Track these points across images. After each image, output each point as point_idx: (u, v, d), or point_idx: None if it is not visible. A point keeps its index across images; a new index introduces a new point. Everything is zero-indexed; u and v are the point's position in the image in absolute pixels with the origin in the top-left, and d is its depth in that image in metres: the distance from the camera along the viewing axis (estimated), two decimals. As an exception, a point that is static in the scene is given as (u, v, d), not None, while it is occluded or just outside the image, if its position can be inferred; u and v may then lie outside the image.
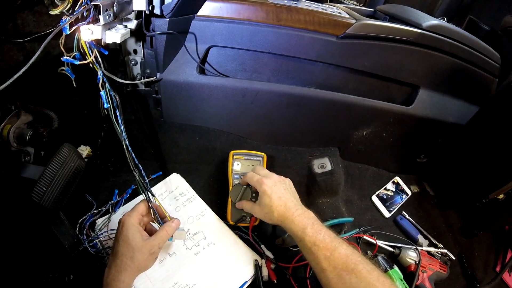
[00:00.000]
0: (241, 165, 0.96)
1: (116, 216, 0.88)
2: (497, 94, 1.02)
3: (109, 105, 0.73)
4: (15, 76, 0.60)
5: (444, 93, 1.09)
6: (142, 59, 0.94)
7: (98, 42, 0.74)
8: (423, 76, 1.05)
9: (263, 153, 0.96)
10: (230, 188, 0.92)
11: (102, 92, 0.73)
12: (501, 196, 1.11)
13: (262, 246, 0.88)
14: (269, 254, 0.87)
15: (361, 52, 0.98)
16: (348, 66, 1.00)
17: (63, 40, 0.67)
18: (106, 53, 0.76)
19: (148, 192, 0.76)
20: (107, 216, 0.88)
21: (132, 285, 0.71)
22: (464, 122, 1.10)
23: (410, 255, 0.95)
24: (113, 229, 0.84)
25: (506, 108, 0.96)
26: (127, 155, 0.73)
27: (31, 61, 0.62)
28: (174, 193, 0.96)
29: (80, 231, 0.84)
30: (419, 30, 0.96)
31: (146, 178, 0.77)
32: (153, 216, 0.76)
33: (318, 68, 1.01)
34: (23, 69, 0.61)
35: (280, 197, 0.78)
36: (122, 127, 0.73)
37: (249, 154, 0.97)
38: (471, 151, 1.10)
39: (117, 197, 0.93)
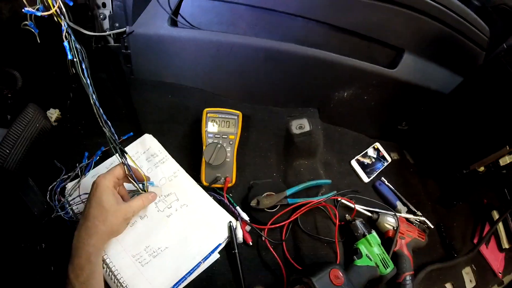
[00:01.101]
0: (215, 124, 0.92)
1: (86, 180, 0.85)
2: (484, 65, 0.99)
3: (72, 57, 0.69)
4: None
5: (429, 60, 1.06)
6: (110, 12, 0.89)
7: (62, -9, 0.70)
8: (408, 40, 1.01)
9: (238, 112, 0.93)
10: (204, 148, 0.89)
11: (65, 43, 0.69)
12: (482, 168, 1.11)
13: (237, 207, 0.86)
14: (244, 215, 0.85)
15: (345, 8, 0.93)
16: (330, 23, 0.95)
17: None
18: (71, 4, 0.71)
19: (119, 150, 0.73)
20: (77, 180, 0.85)
21: (102, 255, 0.69)
22: (447, 91, 1.08)
23: (389, 221, 0.93)
24: (85, 193, 0.81)
25: (492, 80, 0.94)
26: (95, 111, 0.69)
27: None
28: (146, 154, 0.93)
29: (51, 198, 0.81)
30: (407, -10, 0.92)
31: (115, 135, 0.74)
32: (129, 177, 0.74)
33: (298, 23, 0.96)
34: None
35: None
36: (88, 80, 0.68)
37: (223, 112, 0.93)
38: (453, 121, 1.09)
39: (87, 159, 0.89)
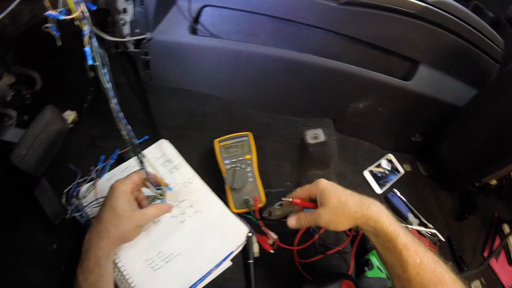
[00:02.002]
0: (229, 150, 0.93)
1: (101, 183, 0.86)
2: (498, 79, 0.99)
3: (93, 62, 0.68)
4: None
5: (444, 72, 1.06)
6: (132, 18, 0.88)
7: (85, -4, 0.70)
8: (424, 52, 1.02)
9: (247, 132, 0.94)
10: (224, 175, 0.89)
11: (86, 48, 0.68)
12: (494, 182, 1.11)
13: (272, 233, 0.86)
14: (273, 234, 0.85)
15: (363, 21, 0.94)
16: (348, 35, 0.96)
17: (48, -4, 0.63)
18: (94, 8, 0.71)
19: (138, 155, 0.73)
20: (91, 182, 0.86)
21: (114, 254, 0.70)
22: (461, 103, 1.08)
23: None
24: (102, 197, 0.81)
25: (506, 93, 0.94)
26: (115, 116, 0.68)
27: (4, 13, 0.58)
28: (162, 159, 0.93)
29: (67, 200, 0.82)
30: (424, 4, 0.92)
31: (135, 139, 0.73)
32: (146, 182, 0.75)
33: (317, 35, 0.97)
34: None
35: (345, 191, 0.67)
36: (110, 85, 0.68)
37: (233, 138, 0.94)
38: (467, 133, 1.08)
39: (103, 162, 0.90)
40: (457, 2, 0.94)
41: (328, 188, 0.67)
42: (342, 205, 0.63)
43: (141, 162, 0.73)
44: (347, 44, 0.99)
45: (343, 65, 0.97)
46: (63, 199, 0.82)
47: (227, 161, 0.91)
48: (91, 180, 0.86)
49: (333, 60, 0.96)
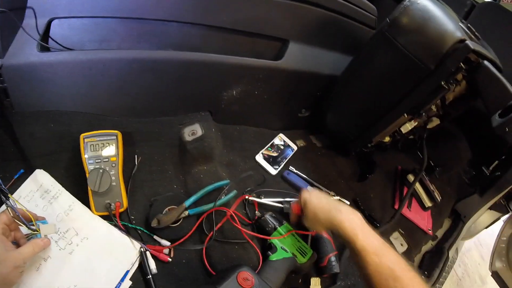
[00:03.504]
0: (94, 148, 0.88)
1: None
2: (367, 43, 1.01)
3: None
4: None
5: (316, 46, 1.09)
6: None
7: None
8: (291, 30, 1.03)
9: (116, 131, 0.89)
10: (87, 175, 0.84)
11: None
12: (387, 139, 1.15)
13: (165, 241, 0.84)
14: (166, 242, 0.84)
15: (217, 7, 0.93)
16: (206, 23, 0.95)
17: None
18: None
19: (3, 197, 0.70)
20: None
21: None
22: (339, 73, 1.10)
23: None
24: None
25: (379, 53, 0.97)
26: None
27: None
28: (40, 191, 0.86)
29: None
30: (284, -19, 0.93)
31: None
32: (16, 220, 0.70)
33: (172, 29, 0.95)
34: None
35: (319, 201, 0.81)
36: None
37: (101, 135, 0.89)
38: (347, 99, 1.12)
39: None
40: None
41: (306, 202, 0.82)
42: (315, 217, 0.79)
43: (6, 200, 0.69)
44: (206, 33, 0.97)
45: (205, 55, 0.95)
46: None
47: (91, 161, 0.86)
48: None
49: (193, 52, 0.94)
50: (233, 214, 0.88)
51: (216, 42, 0.99)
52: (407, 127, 1.05)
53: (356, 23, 1.08)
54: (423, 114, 1.00)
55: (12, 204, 0.70)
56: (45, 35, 0.89)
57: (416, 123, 1.05)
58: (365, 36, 1.11)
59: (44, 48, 0.89)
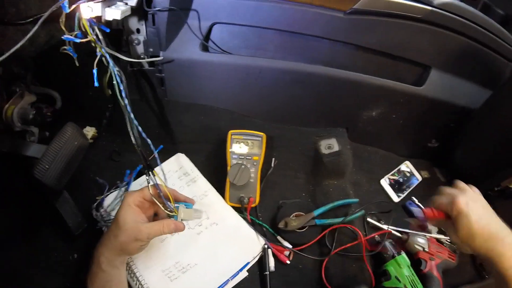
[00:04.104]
0: (240, 145, 0.95)
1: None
2: (510, 78, 0.96)
3: (98, 84, 0.72)
4: (6, 54, 0.59)
5: (455, 75, 1.04)
6: (145, 38, 0.92)
7: (99, 19, 0.73)
8: (434, 56, 1.00)
9: (262, 133, 0.95)
10: (229, 168, 0.91)
11: (94, 70, 0.71)
12: None
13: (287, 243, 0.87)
14: (287, 244, 0.86)
15: (369, 29, 0.94)
16: (356, 43, 0.97)
17: (63, 19, 0.65)
18: (108, 30, 0.74)
19: (148, 171, 0.72)
20: (115, 192, 0.90)
21: (123, 262, 0.70)
22: (476, 106, 1.05)
23: (419, 242, 0.91)
24: None
25: None
26: (131, 131, 0.69)
27: (27, 37, 0.61)
28: (178, 172, 0.95)
29: (97, 210, 0.86)
30: (430, 8, 0.91)
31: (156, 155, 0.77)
32: (155, 198, 0.70)
33: (324, 45, 0.98)
34: (17, 46, 0.59)
35: (478, 217, 0.61)
36: (126, 101, 0.69)
37: (248, 134, 0.96)
38: (481, 136, 1.05)
39: (128, 176, 0.94)
40: (465, 2, 0.93)
41: (461, 215, 0.62)
42: (469, 237, 0.61)
43: (151, 178, 0.71)
44: (354, 53, 0.99)
45: (352, 74, 0.97)
46: (93, 210, 0.85)
47: (234, 156, 0.93)
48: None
49: (341, 70, 0.97)
50: (364, 241, 0.87)
51: (362, 62, 1.00)
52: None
53: (494, 54, 1.02)
54: None
55: (155, 181, 0.71)
56: (206, 37, 0.98)
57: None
58: (503, 68, 1.05)
59: (205, 48, 0.98)
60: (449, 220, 0.66)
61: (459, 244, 0.65)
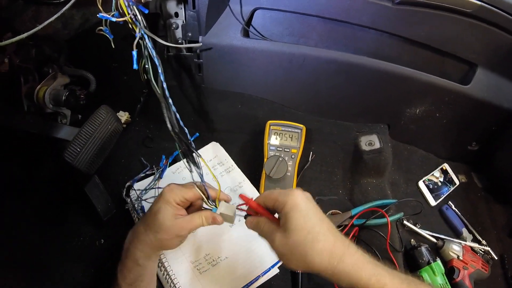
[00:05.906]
0: (278, 137, 0.91)
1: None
2: None
3: (138, 67, 0.68)
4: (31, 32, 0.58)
5: (502, 75, 0.99)
6: (183, 22, 0.88)
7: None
8: (481, 54, 0.95)
9: (302, 125, 0.91)
10: (265, 160, 0.87)
11: (134, 52, 0.67)
12: None
13: None
14: None
15: (417, 21, 0.89)
16: (403, 35, 0.92)
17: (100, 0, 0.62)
18: (146, 11, 0.70)
19: (193, 165, 0.68)
20: (151, 178, 0.88)
21: (158, 255, 0.68)
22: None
23: (454, 249, 0.88)
24: None
25: None
26: (167, 118, 0.64)
27: (56, 15, 0.59)
28: (213, 161, 0.93)
29: (127, 194, 0.85)
30: (480, 3, 0.85)
31: (192, 143, 0.69)
32: (202, 194, 0.66)
33: (370, 36, 0.94)
34: (45, 23, 0.58)
35: (318, 219, 0.50)
36: (164, 85, 0.65)
37: (287, 125, 0.92)
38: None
39: (163, 162, 0.92)
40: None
41: (297, 211, 0.50)
42: (305, 246, 0.48)
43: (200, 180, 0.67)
44: (401, 45, 0.95)
45: (397, 67, 0.92)
46: (124, 194, 0.83)
47: (272, 147, 0.90)
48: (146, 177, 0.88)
49: (387, 62, 0.92)
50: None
51: (408, 55, 0.96)
52: None
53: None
54: None
55: (200, 170, 0.67)
56: (248, 22, 0.94)
57: None
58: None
59: (246, 34, 0.94)
60: (274, 221, 0.55)
61: (279, 255, 0.52)
